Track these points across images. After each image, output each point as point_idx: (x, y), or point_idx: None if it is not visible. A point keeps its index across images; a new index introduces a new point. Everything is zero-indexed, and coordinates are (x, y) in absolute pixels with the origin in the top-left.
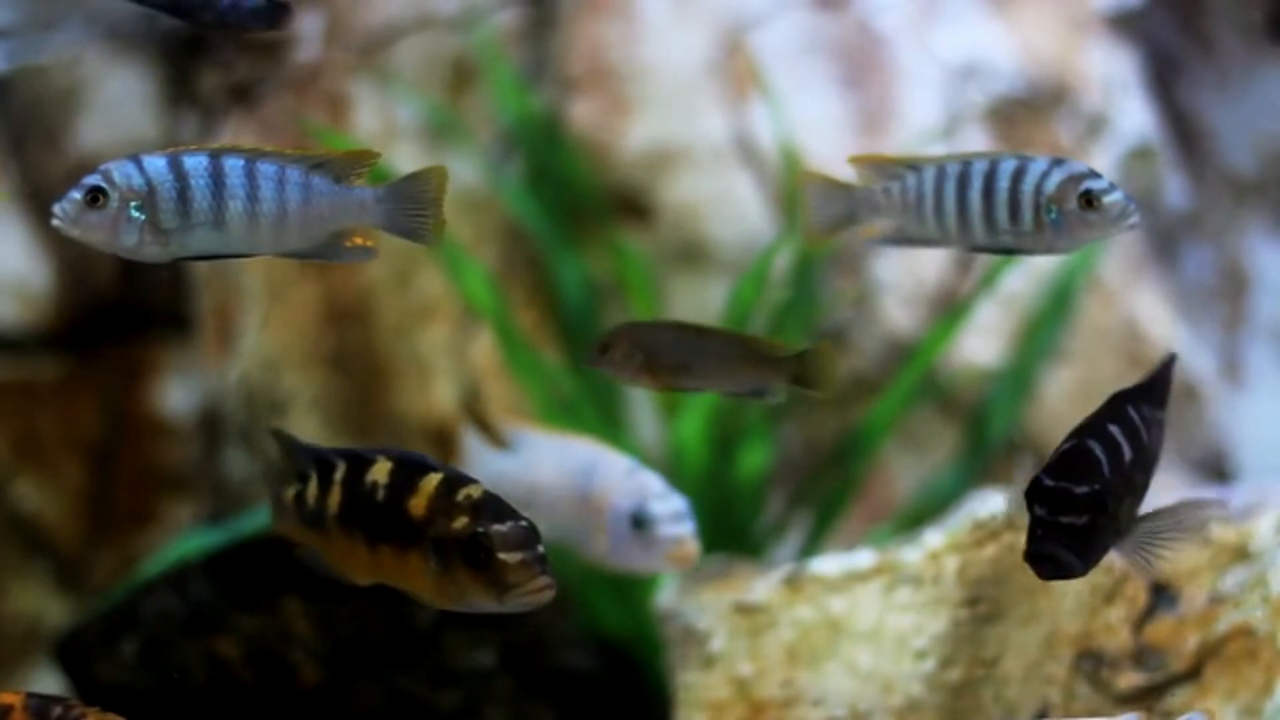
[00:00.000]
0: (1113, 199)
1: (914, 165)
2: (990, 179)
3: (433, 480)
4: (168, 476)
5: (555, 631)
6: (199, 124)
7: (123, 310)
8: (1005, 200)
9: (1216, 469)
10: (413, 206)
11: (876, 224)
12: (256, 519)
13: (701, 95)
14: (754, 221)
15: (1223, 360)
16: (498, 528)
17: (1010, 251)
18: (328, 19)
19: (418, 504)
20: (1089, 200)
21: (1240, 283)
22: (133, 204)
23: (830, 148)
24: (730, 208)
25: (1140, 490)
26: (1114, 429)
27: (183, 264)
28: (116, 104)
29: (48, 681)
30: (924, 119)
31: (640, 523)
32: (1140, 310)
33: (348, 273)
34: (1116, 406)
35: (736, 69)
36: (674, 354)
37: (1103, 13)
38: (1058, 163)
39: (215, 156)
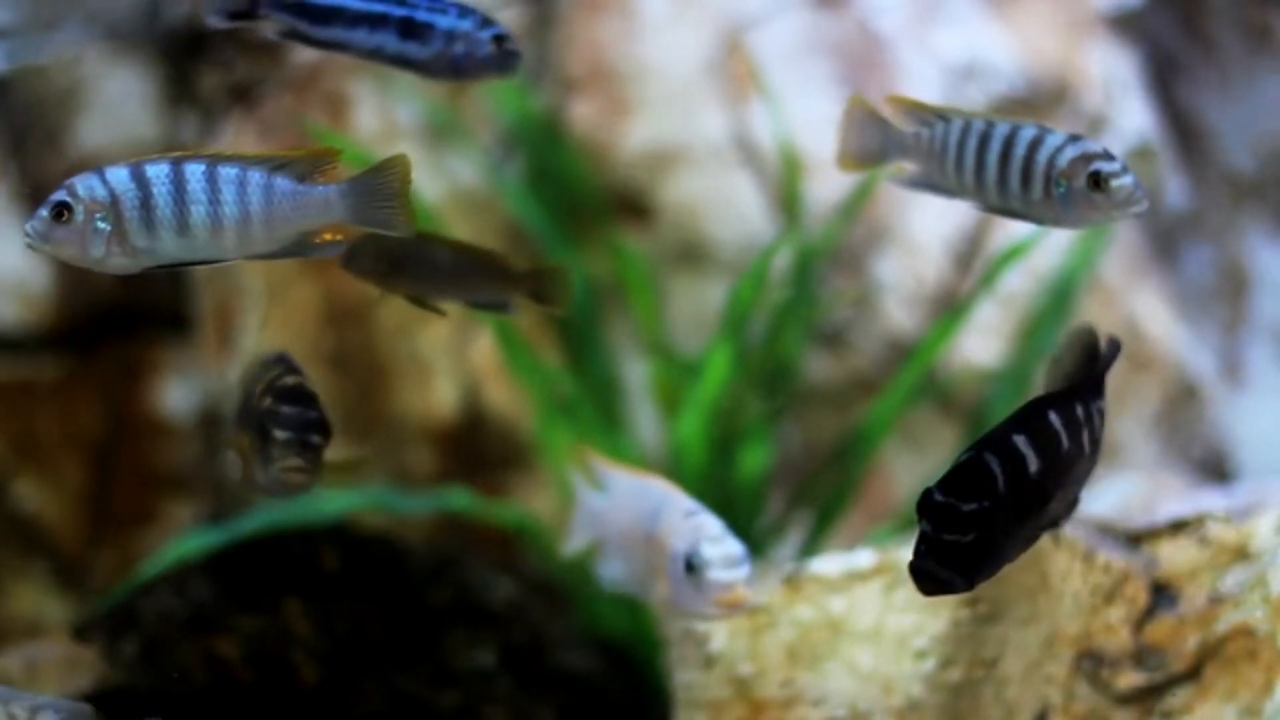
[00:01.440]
0: (1121, 183)
1: (943, 116)
2: (1009, 144)
3: (272, 373)
4: (168, 476)
5: (555, 631)
6: (199, 124)
7: (123, 310)
8: (1019, 167)
9: (1216, 469)
10: (378, 198)
11: (905, 165)
12: (256, 519)
13: (701, 95)
14: (754, 221)
15: (1223, 360)
16: (285, 409)
17: (1019, 217)
18: None
19: (258, 392)
20: (1097, 181)
21: (1240, 283)
22: (98, 216)
23: (830, 148)
24: (730, 208)
25: (1054, 496)
26: (1019, 440)
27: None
28: (116, 104)
29: None
30: None
31: (692, 566)
32: (1140, 310)
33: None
34: (1029, 415)
35: (736, 69)
36: (418, 264)
37: (1103, 13)
38: (1074, 139)
39: (177, 164)
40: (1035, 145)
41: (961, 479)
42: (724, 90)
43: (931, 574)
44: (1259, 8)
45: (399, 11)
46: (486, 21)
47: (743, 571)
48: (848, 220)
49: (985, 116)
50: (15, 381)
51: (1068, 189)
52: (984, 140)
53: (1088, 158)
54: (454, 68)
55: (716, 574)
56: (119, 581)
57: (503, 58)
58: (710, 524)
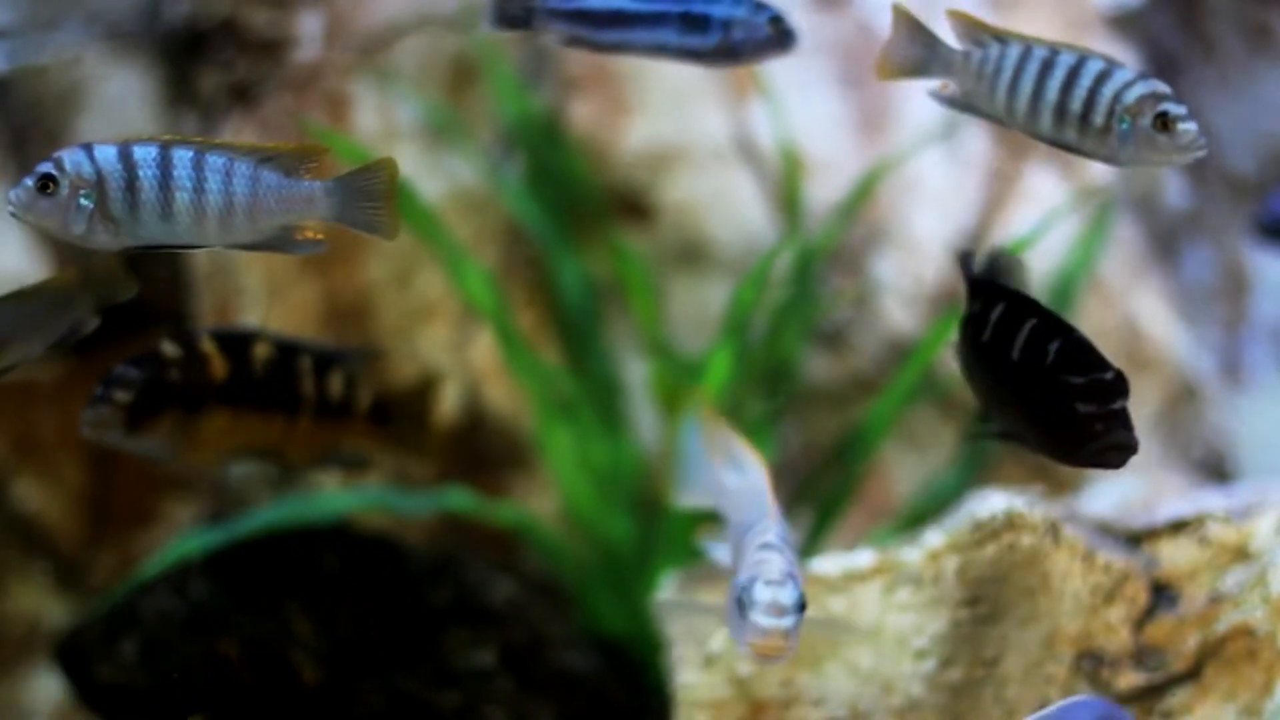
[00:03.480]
0: (1187, 126)
1: (1001, 38)
2: (1074, 73)
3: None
4: (168, 476)
5: (555, 631)
6: (199, 124)
7: (122, 310)
8: (1083, 97)
9: (1216, 469)
10: (363, 199)
11: (948, 84)
12: (256, 519)
13: (701, 95)
14: (754, 221)
15: (1223, 360)
16: (120, 366)
17: (1070, 149)
18: (328, 19)
19: None
20: (1164, 121)
21: (1240, 283)
22: (82, 192)
23: (830, 148)
24: (730, 208)
25: None
26: (1064, 317)
27: (182, 263)
28: (116, 104)
29: (48, 682)
30: (924, 119)
31: (741, 602)
32: (1140, 310)
33: (348, 273)
34: (1038, 304)
35: (736, 69)
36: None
37: (1103, 13)
38: (1144, 77)
39: (165, 147)
40: (1103, 78)
41: (1084, 356)
42: (724, 90)
43: (1126, 444)
44: (1259, 8)
45: (675, 7)
46: (759, 6)
47: (786, 622)
48: (848, 220)
49: (1048, 43)
50: (15, 381)
51: (1131, 125)
52: (1046, 67)
53: (1157, 97)
54: (735, 54)
55: (758, 618)
56: (119, 581)
57: (781, 38)
58: (776, 564)
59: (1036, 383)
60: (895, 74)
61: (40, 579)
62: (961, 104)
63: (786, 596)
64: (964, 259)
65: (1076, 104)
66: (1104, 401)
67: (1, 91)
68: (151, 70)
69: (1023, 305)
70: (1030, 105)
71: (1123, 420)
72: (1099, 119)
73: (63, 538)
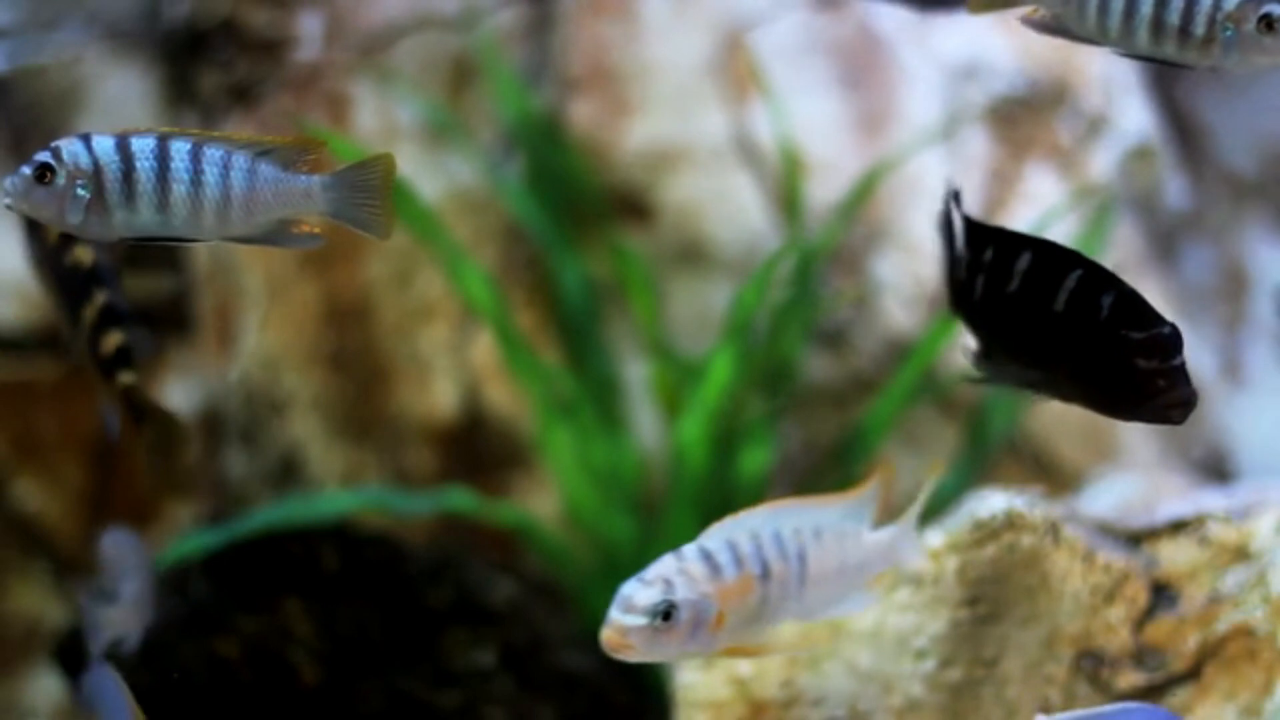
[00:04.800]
0: None
1: None
2: None
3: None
4: (167, 477)
5: (555, 631)
6: (199, 124)
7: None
8: (1180, 9)
9: (1216, 469)
10: (360, 195)
11: (1039, 8)
12: (256, 519)
13: (701, 95)
14: (754, 221)
15: (1223, 360)
16: None
17: (1169, 63)
18: (328, 19)
19: None
20: (1269, 23)
21: (1240, 283)
22: (79, 182)
23: (830, 148)
24: (730, 208)
25: None
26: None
27: (183, 263)
28: (116, 104)
29: (48, 682)
30: (924, 119)
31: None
32: None
33: (348, 272)
34: (1080, 254)
35: (736, 69)
36: None
37: None
38: None
39: (163, 139)
40: None
41: (1140, 309)
42: (724, 90)
43: (1188, 399)
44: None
45: None
46: None
47: (629, 620)
48: (848, 220)
49: None
50: (15, 381)
51: (1236, 32)
52: None
53: (1258, 1)
54: None
55: (610, 609)
56: None
57: None
58: (661, 566)
59: (1091, 337)
60: (988, 6)
61: (40, 579)
62: (1054, 28)
63: (644, 597)
64: (954, 195)
65: (1174, 16)
66: (1165, 357)
67: (1, 91)
68: (151, 70)
69: (1066, 256)
70: (1124, 22)
71: (1183, 376)
72: (1200, 29)
73: (63, 538)
